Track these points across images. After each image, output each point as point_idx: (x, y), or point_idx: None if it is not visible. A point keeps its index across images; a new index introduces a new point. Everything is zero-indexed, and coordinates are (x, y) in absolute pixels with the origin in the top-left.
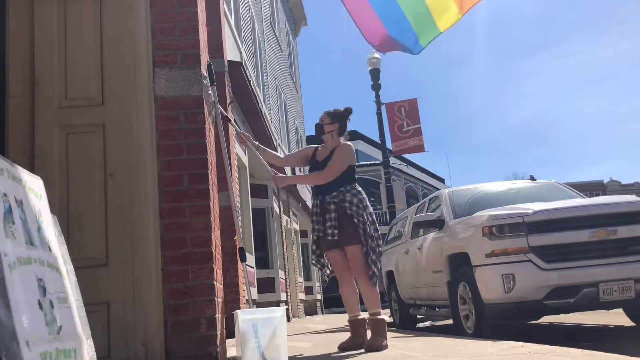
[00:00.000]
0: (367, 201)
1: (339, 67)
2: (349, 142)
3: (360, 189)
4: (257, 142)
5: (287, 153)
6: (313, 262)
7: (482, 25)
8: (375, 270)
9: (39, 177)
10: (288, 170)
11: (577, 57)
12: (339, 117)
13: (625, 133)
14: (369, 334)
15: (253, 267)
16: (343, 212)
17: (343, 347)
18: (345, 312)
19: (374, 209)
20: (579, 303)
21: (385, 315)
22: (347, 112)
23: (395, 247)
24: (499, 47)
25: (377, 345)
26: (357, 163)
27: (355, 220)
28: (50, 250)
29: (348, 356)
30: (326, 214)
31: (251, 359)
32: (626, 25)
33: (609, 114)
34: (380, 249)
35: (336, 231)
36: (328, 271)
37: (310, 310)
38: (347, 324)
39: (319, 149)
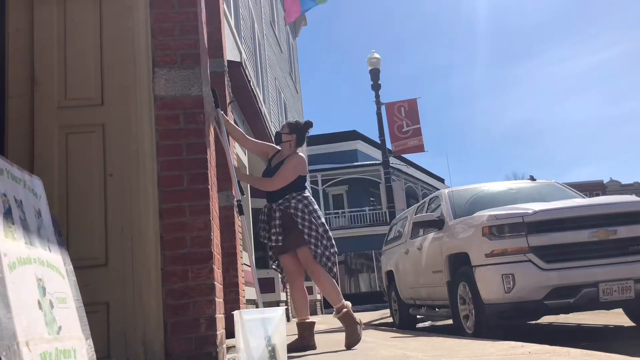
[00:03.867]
0: (315, 205)
1: (339, 67)
2: (301, 154)
3: (307, 194)
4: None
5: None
6: (273, 267)
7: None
8: (329, 264)
9: (38, 177)
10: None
11: (560, 66)
12: (298, 129)
13: (615, 135)
14: (343, 331)
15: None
16: (289, 217)
17: (291, 349)
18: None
19: (374, 209)
20: (578, 303)
21: (349, 303)
22: (307, 125)
23: (395, 247)
24: (493, 53)
25: (355, 339)
26: (308, 173)
27: (300, 225)
28: (50, 250)
29: (349, 355)
30: (271, 221)
31: (251, 358)
32: (605, 36)
33: (600, 117)
34: (333, 249)
35: (280, 237)
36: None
37: (310, 311)
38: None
39: (277, 154)
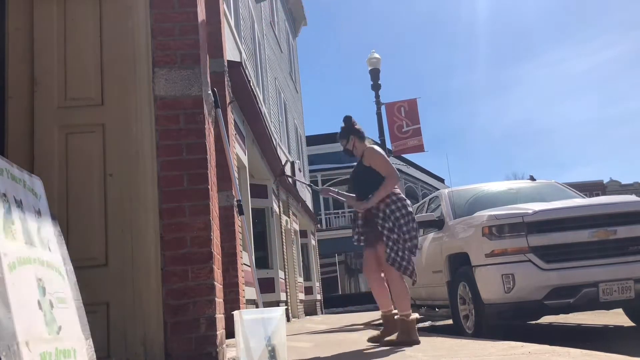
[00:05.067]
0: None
1: (339, 67)
2: (371, 145)
3: (399, 195)
4: (336, 189)
5: (286, 152)
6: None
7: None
8: (403, 263)
9: (38, 177)
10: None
11: (560, 66)
12: (348, 131)
13: (615, 135)
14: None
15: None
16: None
17: (374, 340)
18: (342, 312)
19: None
20: (578, 303)
21: (415, 315)
22: (348, 121)
23: None
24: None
25: (402, 342)
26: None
27: (379, 227)
28: (50, 250)
29: (349, 355)
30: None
31: (251, 358)
32: (603, 37)
33: (599, 117)
34: (408, 244)
35: (362, 237)
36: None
37: (310, 311)
38: (357, 323)
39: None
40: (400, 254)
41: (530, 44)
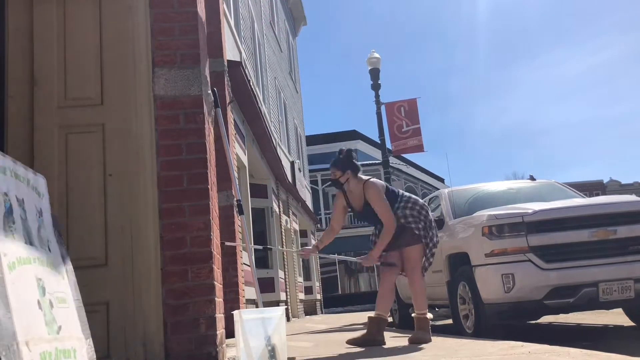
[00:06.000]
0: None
1: (339, 67)
2: (371, 179)
3: (412, 198)
4: (313, 245)
5: (286, 152)
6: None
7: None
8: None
9: (42, 176)
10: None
11: (558, 67)
12: (344, 163)
13: (615, 135)
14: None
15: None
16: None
17: (353, 343)
18: (342, 312)
19: None
20: (578, 303)
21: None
22: (349, 154)
23: None
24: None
25: (419, 339)
26: (386, 185)
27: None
28: (50, 250)
29: (349, 355)
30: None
31: (251, 358)
32: (600, 39)
33: (599, 117)
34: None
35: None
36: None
37: (310, 310)
38: (357, 323)
39: (348, 194)
40: (433, 251)
41: (529, 45)
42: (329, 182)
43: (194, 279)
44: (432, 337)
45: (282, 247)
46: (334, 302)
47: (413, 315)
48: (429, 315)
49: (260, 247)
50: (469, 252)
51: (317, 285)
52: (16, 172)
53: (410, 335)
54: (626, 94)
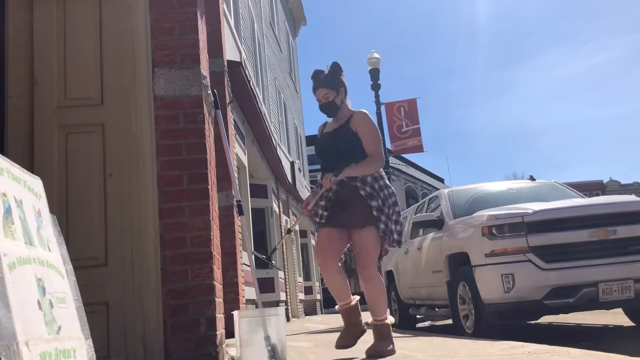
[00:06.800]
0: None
1: None
2: (362, 110)
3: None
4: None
5: (286, 152)
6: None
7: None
8: (396, 237)
9: (38, 177)
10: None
11: (557, 68)
12: (339, 80)
13: (615, 135)
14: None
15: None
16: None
17: (340, 346)
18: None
19: None
20: (578, 303)
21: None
22: (339, 67)
23: None
24: (491, 56)
25: (380, 352)
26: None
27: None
28: (49, 250)
29: (349, 355)
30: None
31: (251, 358)
32: (598, 40)
33: (599, 117)
34: (397, 217)
35: (325, 212)
36: None
37: (310, 310)
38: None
39: (328, 123)
40: (397, 227)
41: (529, 45)
42: (323, 105)
43: (194, 279)
44: (430, 337)
45: (282, 236)
46: (334, 302)
47: (369, 321)
48: (390, 320)
49: (263, 257)
50: (469, 252)
51: (317, 285)
52: (13, 174)
53: (369, 346)
54: (626, 94)
